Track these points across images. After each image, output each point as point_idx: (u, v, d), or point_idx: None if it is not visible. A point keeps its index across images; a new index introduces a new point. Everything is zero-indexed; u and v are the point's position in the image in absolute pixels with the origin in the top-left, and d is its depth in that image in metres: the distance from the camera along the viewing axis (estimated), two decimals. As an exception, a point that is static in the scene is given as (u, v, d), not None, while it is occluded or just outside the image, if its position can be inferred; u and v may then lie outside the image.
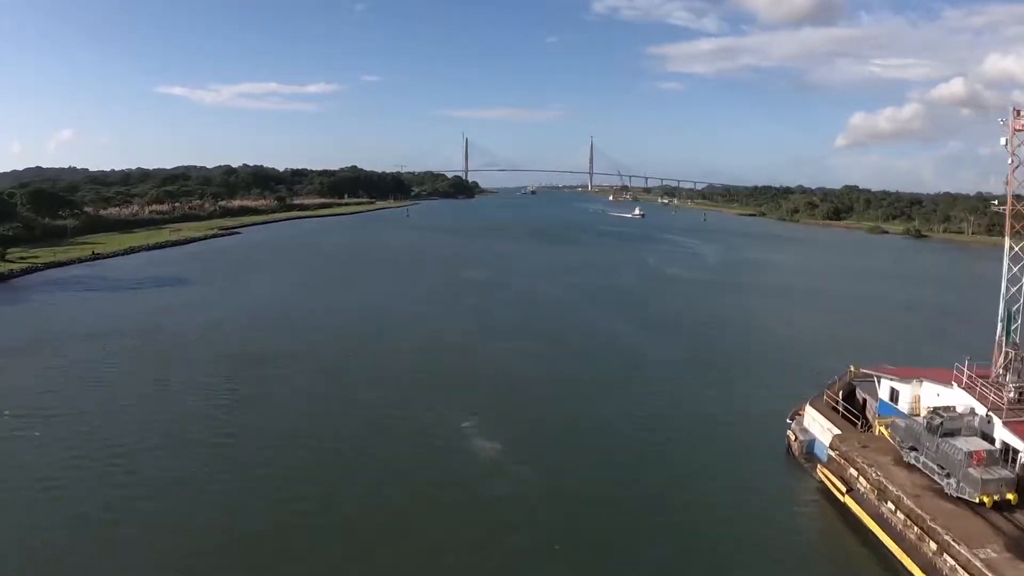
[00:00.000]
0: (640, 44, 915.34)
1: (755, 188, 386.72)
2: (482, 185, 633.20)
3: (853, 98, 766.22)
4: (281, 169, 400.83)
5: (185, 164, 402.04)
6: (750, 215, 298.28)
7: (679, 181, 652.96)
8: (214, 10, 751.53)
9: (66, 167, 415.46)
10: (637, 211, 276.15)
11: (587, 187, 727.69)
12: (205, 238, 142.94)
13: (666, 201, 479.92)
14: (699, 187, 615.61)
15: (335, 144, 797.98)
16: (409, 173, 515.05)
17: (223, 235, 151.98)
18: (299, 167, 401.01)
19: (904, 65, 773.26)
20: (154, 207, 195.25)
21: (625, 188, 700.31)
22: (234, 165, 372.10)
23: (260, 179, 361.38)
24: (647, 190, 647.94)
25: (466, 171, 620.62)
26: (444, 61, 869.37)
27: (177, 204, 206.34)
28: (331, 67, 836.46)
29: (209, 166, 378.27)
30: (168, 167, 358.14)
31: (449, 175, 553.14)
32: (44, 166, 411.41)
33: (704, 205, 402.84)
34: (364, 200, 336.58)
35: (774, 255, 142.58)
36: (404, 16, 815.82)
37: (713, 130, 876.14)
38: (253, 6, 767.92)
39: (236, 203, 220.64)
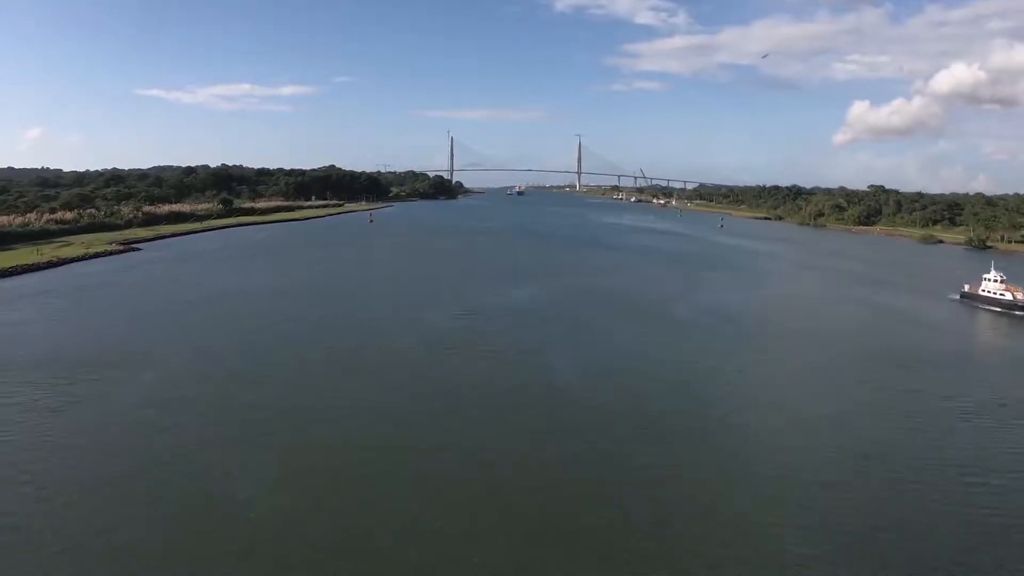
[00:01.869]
0: (612, 42, 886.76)
1: (762, 188, 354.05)
2: (468, 185, 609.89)
3: (834, 95, 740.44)
4: (259, 168, 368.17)
5: (161, 164, 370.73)
6: (763, 218, 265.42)
7: (668, 180, 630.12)
8: (184, 9, 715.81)
9: (39, 167, 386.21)
10: None
11: (575, 187, 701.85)
12: (84, 258, 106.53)
13: (662, 202, 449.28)
14: (689, 186, 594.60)
15: (316, 144, 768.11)
16: (390, 173, 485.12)
17: (117, 252, 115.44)
18: (278, 167, 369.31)
19: (880, 63, 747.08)
20: (58, 215, 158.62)
21: (617, 188, 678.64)
22: (212, 165, 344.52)
23: (222, 180, 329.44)
24: (640, 190, 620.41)
25: (451, 171, 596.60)
26: (426, 63, 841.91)
27: (92, 211, 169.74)
28: (307, 68, 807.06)
29: (184, 166, 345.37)
30: (144, 167, 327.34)
31: (431, 174, 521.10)
32: (16, 167, 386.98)
33: (706, 207, 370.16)
34: (332, 203, 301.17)
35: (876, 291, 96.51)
36: (382, 16, 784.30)
37: (695, 129, 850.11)
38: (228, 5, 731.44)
39: (165, 208, 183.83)
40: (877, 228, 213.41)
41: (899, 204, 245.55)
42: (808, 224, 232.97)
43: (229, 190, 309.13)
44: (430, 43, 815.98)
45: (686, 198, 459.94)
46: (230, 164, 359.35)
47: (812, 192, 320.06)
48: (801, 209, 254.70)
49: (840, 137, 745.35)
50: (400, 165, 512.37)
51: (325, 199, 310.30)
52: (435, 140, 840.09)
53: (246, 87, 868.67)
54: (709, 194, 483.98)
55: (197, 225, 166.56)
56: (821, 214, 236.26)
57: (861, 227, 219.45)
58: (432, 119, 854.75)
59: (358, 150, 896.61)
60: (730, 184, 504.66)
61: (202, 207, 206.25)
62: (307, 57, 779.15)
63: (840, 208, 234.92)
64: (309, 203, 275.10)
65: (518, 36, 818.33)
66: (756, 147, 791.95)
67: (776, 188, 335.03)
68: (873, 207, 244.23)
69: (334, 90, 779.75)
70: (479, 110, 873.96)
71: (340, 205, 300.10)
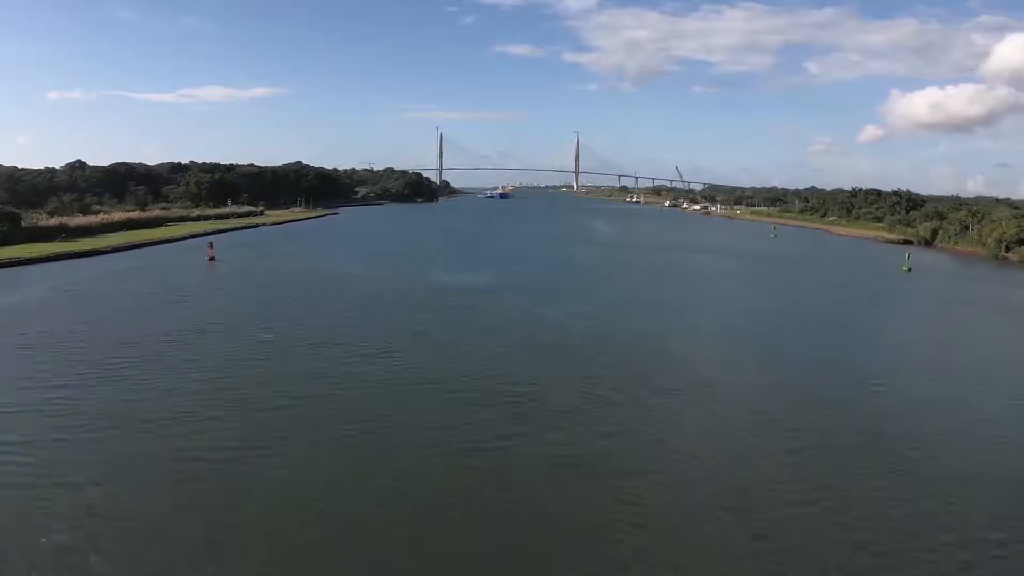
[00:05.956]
0: (576, 39, 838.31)
1: (853, 192, 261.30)
2: (458, 184, 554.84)
3: (820, 92, 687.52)
4: (173, 163, 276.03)
5: (129, 160, 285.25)
6: (903, 242, 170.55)
7: (671, 181, 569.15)
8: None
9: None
10: None
11: (572, 187, 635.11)
12: None
13: (697, 207, 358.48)
14: (695, 187, 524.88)
15: (296, 140, 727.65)
16: (366, 171, 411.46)
17: None
18: (251, 163, 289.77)
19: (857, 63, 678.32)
20: None
21: (625, 189, 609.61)
22: (183, 162, 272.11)
23: (118, 178, 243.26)
24: (657, 191, 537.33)
25: (440, 169, 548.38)
26: (416, 62, 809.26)
27: None
28: (279, 67, 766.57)
29: (151, 163, 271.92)
30: (104, 164, 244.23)
31: (410, 171, 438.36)
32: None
33: (767, 216, 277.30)
34: (245, 210, 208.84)
35: None
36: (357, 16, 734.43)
37: (680, 129, 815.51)
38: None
39: None
40: None
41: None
42: (1004, 258, 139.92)
43: (121, 192, 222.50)
44: (399, 42, 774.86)
45: (726, 203, 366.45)
46: (198, 161, 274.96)
47: (927, 200, 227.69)
48: (968, 229, 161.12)
49: (872, 132, 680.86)
50: (393, 164, 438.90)
51: (244, 203, 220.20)
52: (423, 139, 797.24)
53: (216, 88, 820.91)
54: (745, 197, 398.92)
55: None
56: (1022, 241, 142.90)
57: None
58: (417, 119, 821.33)
59: (352, 148, 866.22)
60: (731, 185, 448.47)
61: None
62: (279, 56, 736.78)
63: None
64: (199, 213, 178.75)
65: (473, 36, 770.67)
66: (749, 147, 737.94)
67: (875, 193, 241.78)
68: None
69: (311, 87, 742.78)
70: (463, 111, 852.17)
71: (259, 213, 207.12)
